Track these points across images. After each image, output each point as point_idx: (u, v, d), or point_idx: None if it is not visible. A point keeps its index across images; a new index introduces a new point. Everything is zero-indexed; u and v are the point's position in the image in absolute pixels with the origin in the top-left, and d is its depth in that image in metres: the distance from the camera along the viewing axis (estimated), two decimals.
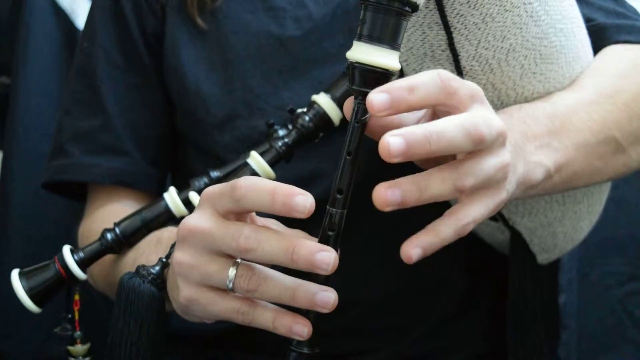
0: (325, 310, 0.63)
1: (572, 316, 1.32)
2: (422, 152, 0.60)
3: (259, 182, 0.63)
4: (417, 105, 0.61)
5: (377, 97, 0.60)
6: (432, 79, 0.61)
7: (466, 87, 0.63)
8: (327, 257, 0.62)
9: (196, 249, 0.66)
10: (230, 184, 0.64)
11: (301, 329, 0.64)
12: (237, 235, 0.63)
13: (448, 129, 0.60)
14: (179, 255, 0.67)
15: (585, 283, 1.34)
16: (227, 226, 0.64)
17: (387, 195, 0.61)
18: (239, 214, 0.66)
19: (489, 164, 0.63)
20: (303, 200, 0.61)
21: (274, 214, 0.63)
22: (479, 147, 0.62)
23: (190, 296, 0.67)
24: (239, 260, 0.65)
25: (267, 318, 0.65)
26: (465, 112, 0.62)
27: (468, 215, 0.64)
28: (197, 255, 0.66)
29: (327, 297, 0.63)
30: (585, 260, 1.34)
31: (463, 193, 0.63)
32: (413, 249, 0.63)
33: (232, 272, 0.64)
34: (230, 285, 0.64)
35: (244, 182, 0.63)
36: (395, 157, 0.59)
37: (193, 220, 0.66)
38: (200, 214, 0.66)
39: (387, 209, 0.61)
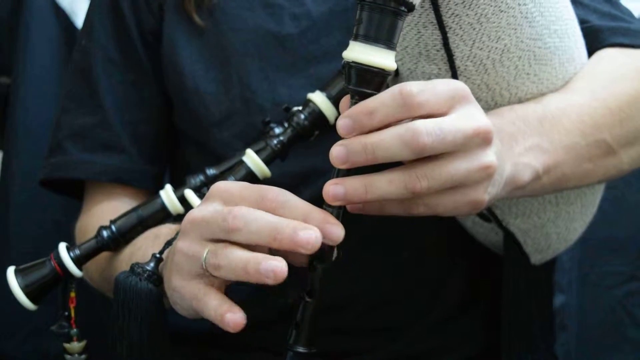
0: (270, 281, 0.62)
1: (572, 316, 1.32)
2: (360, 160, 0.62)
3: (296, 201, 0.64)
4: (379, 125, 0.62)
5: (340, 123, 0.63)
6: (391, 98, 0.62)
7: (441, 92, 0.63)
8: (310, 234, 0.62)
9: (194, 237, 0.66)
10: (258, 191, 0.65)
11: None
12: (228, 214, 0.64)
13: (385, 140, 0.62)
14: (179, 244, 0.68)
15: (585, 283, 1.35)
16: (222, 208, 0.65)
17: (329, 190, 0.63)
18: None
19: (459, 165, 0.63)
20: (338, 232, 0.63)
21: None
22: (425, 153, 0.62)
23: (176, 286, 0.68)
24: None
25: None
26: (443, 117, 0.63)
27: (420, 200, 0.65)
28: (193, 244, 0.66)
29: (272, 266, 0.62)
30: (585, 261, 1.34)
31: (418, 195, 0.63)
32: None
33: (206, 251, 0.65)
34: (203, 263, 0.65)
35: (280, 196, 0.64)
36: (338, 162, 0.63)
37: (197, 211, 0.67)
38: (206, 205, 0.67)
39: (334, 203, 0.63)
